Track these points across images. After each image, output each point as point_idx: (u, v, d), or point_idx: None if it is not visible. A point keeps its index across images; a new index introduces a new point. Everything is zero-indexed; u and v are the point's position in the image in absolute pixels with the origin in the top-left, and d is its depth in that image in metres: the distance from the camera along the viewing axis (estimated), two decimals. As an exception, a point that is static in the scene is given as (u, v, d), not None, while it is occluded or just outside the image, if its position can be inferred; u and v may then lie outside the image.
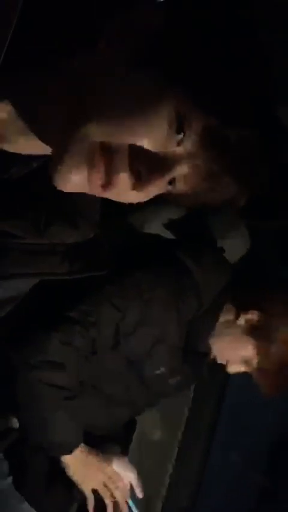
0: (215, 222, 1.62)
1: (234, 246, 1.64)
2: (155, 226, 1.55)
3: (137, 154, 0.68)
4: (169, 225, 1.56)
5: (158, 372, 1.50)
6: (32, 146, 0.79)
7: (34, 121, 0.75)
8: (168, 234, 1.56)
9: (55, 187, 0.79)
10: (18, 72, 0.72)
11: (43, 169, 0.76)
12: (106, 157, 0.68)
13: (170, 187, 0.73)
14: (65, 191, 0.72)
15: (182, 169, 0.71)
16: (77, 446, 1.44)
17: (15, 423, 1.48)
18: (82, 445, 1.46)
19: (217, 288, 1.53)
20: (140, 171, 0.68)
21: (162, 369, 1.50)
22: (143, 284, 1.43)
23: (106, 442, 1.56)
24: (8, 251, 0.87)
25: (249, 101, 0.70)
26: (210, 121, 0.68)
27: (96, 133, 0.68)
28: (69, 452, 1.44)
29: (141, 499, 1.62)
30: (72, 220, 0.88)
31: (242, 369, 1.57)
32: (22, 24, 0.56)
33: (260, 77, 0.72)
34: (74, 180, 0.70)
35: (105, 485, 1.52)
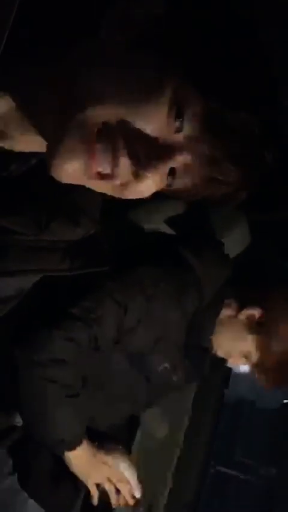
0: (215, 217, 1.62)
1: (235, 241, 1.64)
2: (156, 222, 1.55)
3: (135, 139, 0.67)
4: (169, 221, 1.56)
5: (160, 367, 1.50)
6: (31, 143, 0.79)
7: (34, 113, 0.75)
8: (168, 230, 1.56)
9: (55, 184, 0.79)
10: (18, 63, 0.72)
11: (43, 166, 0.76)
12: (104, 142, 0.67)
13: (170, 180, 0.73)
14: (62, 182, 0.71)
15: (182, 159, 0.70)
16: (79, 443, 1.45)
17: (18, 421, 1.48)
18: (85, 441, 1.46)
19: (218, 282, 1.53)
20: (139, 156, 0.68)
21: (165, 365, 1.51)
22: (145, 280, 1.43)
23: (108, 440, 1.57)
24: (9, 248, 0.87)
25: (248, 85, 0.70)
26: (209, 105, 0.68)
27: (95, 117, 0.67)
28: (72, 448, 1.44)
29: (145, 496, 1.62)
30: (73, 217, 0.88)
31: (242, 363, 1.58)
32: (21, 15, 0.56)
33: (260, 62, 0.72)
34: (71, 168, 0.69)
35: (109, 480, 1.53)
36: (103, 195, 0.85)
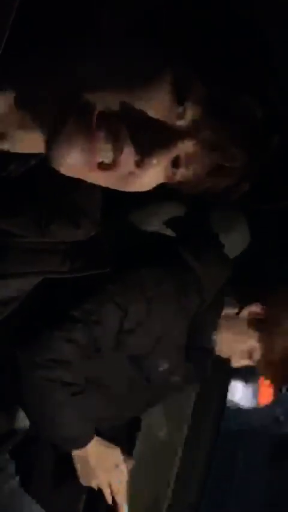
0: (214, 218, 1.62)
1: (234, 242, 1.64)
2: (155, 224, 1.55)
3: (138, 126, 0.66)
4: (169, 223, 1.56)
5: (161, 369, 1.50)
6: (31, 144, 0.78)
7: (34, 108, 0.73)
8: (168, 231, 1.56)
9: (55, 185, 0.79)
10: (17, 58, 0.71)
11: (42, 167, 0.76)
12: (105, 130, 0.66)
13: (174, 170, 0.71)
14: (63, 173, 0.69)
15: (185, 145, 0.69)
16: (89, 440, 1.45)
17: (18, 425, 1.48)
18: (96, 438, 1.46)
19: (219, 283, 1.53)
20: (142, 143, 0.66)
21: (166, 366, 1.50)
22: (146, 282, 1.43)
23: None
24: (9, 250, 0.86)
25: (249, 70, 0.69)
26: (211, 90, 0.67)
27: (94, 103, 0.66)
28: (82, 446, 1.44)
29: (147, 498, 1.62)
30: (73, 219, 0.88)
31: (245, 362, 1.58)
32: (20, 9, 0.55)
33: (261, 47, 0.71)
34: (72, 160, 0.67)
35: (110, 486, 1.52)
36: (103, 195, 0.85)
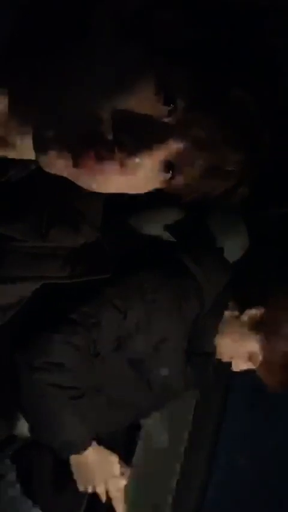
0: (214, 223, 1.62)
1: (234, 247, 1.64)
2: (155, 229, 1.55)
3: (123, 127, 0.65)
4: (169, 227, 1.56)
5: (161, 373, 1.50)
6: (31, 149, 0.77)
7: (27, 114, 0.73)
8: (168, 236, 1.56)
9: (55, 190, 0.78)
10: (11, 62, 0.71)
11: (42, 172, 0.75)
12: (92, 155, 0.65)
13: (167, 175, 0.70)
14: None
15: (176, 145, 0.67)
16: (87, 444, 1.44)
17: (17, 431, 1.47)
18: (94, 444, 1.46)
19: (218, 288, 1.53)
20: (124, 141, 0.65)
21: (166, 371, 1.50)
22: (145, 285, 1.43)
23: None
24: (9, 254, 0.86)
25: (241, 62, 0.67)
26: (200, 84, 0.65)
27: (78, 105, 0.65)
28: (80, 451, 1.44)
29: (148, 505, 1.62)
30: (74, 224, 0.87)
31: (247, 365, 1.57)
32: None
33: (253, 40, 0.68)
34: (56, 164, 0.68)
35: (107, 492, 1.52)
36: (104, 200, 0.85)
